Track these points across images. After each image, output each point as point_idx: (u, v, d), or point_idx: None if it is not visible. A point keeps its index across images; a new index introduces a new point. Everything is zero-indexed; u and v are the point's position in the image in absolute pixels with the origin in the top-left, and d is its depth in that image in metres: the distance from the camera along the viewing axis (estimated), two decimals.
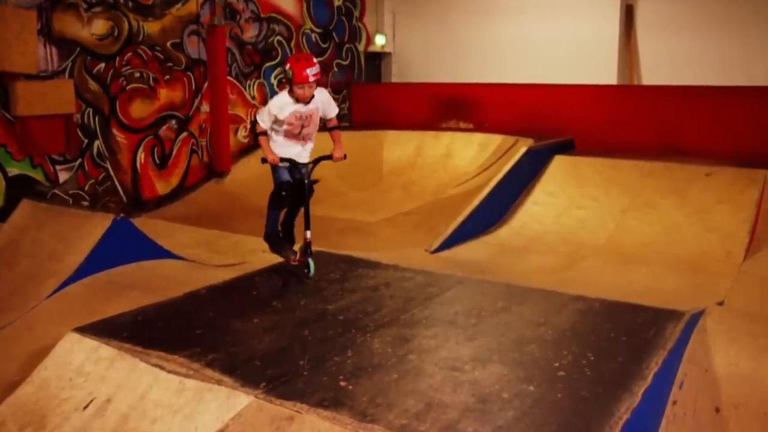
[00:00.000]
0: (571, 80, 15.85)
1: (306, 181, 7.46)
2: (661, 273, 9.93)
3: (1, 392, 5.95)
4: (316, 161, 7.53)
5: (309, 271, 7.48)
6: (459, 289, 7.05)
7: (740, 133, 13.62)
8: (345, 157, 7.53)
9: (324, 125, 7.69)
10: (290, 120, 7.30)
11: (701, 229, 10.97)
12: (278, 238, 7.81)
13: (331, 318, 6.26)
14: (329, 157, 7.46)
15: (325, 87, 17.77)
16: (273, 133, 7.47)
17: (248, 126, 16.16)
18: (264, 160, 7.35)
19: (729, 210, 11.14)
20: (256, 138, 7.59)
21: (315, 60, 7.33)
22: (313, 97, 7.32)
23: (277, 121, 7.36)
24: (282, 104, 7.32)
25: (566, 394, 4.71)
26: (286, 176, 7.51)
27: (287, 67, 7.23)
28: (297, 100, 7.27)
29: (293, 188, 7.50)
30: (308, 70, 7.14)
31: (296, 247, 7.80)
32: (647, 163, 12.56)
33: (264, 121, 7.41)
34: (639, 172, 12.43)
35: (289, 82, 7.24)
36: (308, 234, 7.46)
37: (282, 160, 7.34)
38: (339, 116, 7.76)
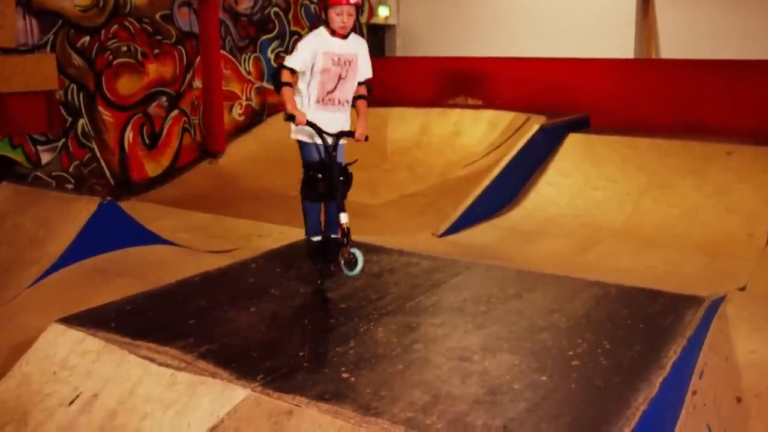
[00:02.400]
0: (585, 54, 15.82)
1: (340, 161, 6.56)
2: (679, 257, 9.94)
3: None
4: (339, 134, 6.50)
5: (357, 264, 6.30)
6: (467, 275, 7.06)
7: (763, 109, 13.60)
8: (367, 138, 6.60)
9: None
10: (326, 64, 6.39)
11: (722, 211, 10.97)
12: (318, 246, 6.89)
13: (333, 306, 6.27)
14: (351, 133, 6.53)
15: None
16: (300, 95, 6.50)
17: (253, 87, 16.15)
18: (290, 118, 6.26)
19: (750, 190, 11.15)
20: (279, 89, 6.40)
21: None
22: (353, 30, 6.47)
23: (306, 72, 6.42)
24: (317, 40, 6.40)
25: (581, 384, 4.72)
26: (316, 155, 6.51)
27: None
28: (334, 33, 6.37)
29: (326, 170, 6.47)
30: None
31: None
32: (665, 141, 12.56)
33: (296, 62, 6.35)
34: (657, 150, 12.43)
35: (324, 9, 6.34)
36: (343, 217, 6.35)
37: (308, 124, 6.29)
38: None
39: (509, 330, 5.66)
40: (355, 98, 6.69)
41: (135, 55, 13.83)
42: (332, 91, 6.50)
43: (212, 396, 4.79)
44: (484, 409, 4.42)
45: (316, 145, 6.47)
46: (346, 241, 6.31)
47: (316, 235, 6.88)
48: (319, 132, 6.33)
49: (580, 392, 4.61)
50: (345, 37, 6.42)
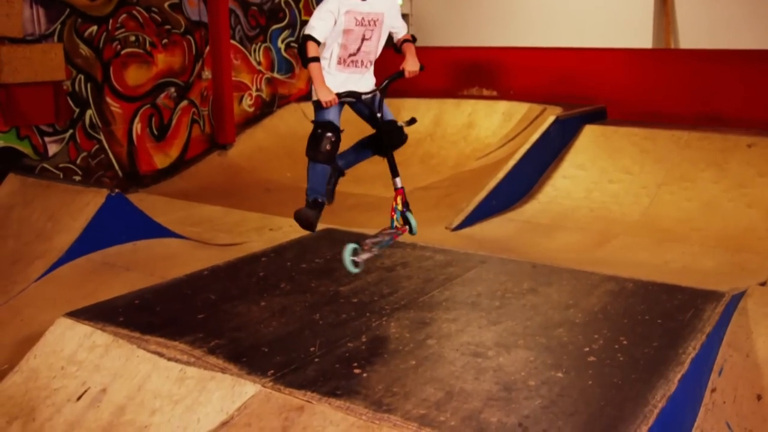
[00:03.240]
0: (602, 44, 15.76)
1: (387, 121, 6.41)
2: (698, 251, 9.91)
3: None
4: (384, 85, 6.34)
5: (411, 229, 6.36)
6: (482, 269, 7.06)
7: None
8: (422, 68, 6.39)
9: (394, 46, 6.56)
10: (348, 25, 6.04)
11: (742, 205, 10.94)
12: (320, 210, 6.61)
13: (344, 301, 6.27)
14: (400, 74, 6.34)
15: None
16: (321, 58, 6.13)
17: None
18: (317, 104, 6.01)
19: None
20: (306, 64, 5.99)
21: None
22: None
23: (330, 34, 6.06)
24: (341, 1, 6.00)
25: (597, 381, 4.72)
26: (331, 114, 6.14)
27: None
28: None
29: (375, 133, 6.38)
30: None
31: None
32: (684, 133, 12.52)
33: (319, 30, 5.97)
34: (675, 143, 12.39)
35: None
36: (398, 181, 6.34)
37: (341, 96, 6.03)
38: None
39: (524, 325, 5.67)
40: (401, 44, 6.48)
41: (143, 45, 13.84)
42: (355, 53, 6.20)
43: (222, 391, 4.81)
44: (499, 406, 4.42)
45: (340, 105, 6.15)
46: (406, 206, 6.34)
47: (320, 195, 6.56)
48: (357, 97, 6.16)
49: (596, 389, 4.61)
50: None
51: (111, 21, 13.22)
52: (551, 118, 12.94)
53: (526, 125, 14.61)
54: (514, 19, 17.74)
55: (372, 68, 6.43)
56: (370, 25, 6.12)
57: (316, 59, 5.97)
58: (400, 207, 6.33)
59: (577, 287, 6.49)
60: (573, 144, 13.13)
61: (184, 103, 14.71)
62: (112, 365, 5.35)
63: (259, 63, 16.37)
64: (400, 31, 6.43)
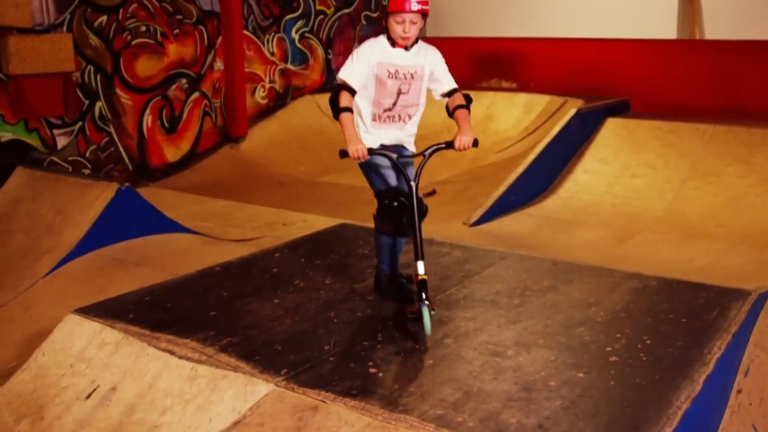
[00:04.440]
0: (625, 35, 15.72)
1: (413, 191, 5.74)
2: (724, 248, 9.89)
3: None
4: (430, 152, 5.83)
5: (425, 325, 5.37)
6: (501, 266, 7.05)
7: None
8: (476, 143, 5.87)
9: (446, 108, 6.06)
10: (381, 75, 5.71)
11: None
12: (399, 282, 6.16)
13: (360, 298, 6.27)
14: (450, 144, 5.80)
15: (353, 42, 17.75)
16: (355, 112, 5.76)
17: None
18: (344, 154, 5.51)
19: None
20: (336, 115, 5.61)
21: None
22: (416, 42, 5.76)
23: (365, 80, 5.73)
24: (375, 47, 5.71)
25: (619, 381, 4.71)
26: (392, 179, 5.84)
27: None
28: (395, 43, 5.69)
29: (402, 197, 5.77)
30: None
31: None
32: (710, 126, 12.48)
33: (354, 77, 5.65)
34: (700, 136, 12.36)
35: (384, 16, 5.65)
36: (421, 266, 5.54)
37: (373, 151, 5.63)
38: None
39: (544, 324, 5.66)
40: (453, 109, 5.96)
41: (154, 36, 13.86)
42: (391, 108, 5.83)
43: (234, 390, 4.81)
44: (518, 406, 4.41)
45: (389, 166, 5.81)
46: (424, 295, 5.40)
47: (394, 268, 6.22)
48: (391, 159, 5.70)
49: (618, 390, 4.60)
50: (408, 48, 5.71)
51: (121, 11, 13.24)
52: (572, 111, 12.92)
53: (546, 118, 14.60)
54: (535, 9, 17.70)
55: (411, 124, 6.02)
56: (406, 78, 5.77)
57: (348, 110, 5.58)
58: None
59: (598, 285, 6.48)
60: (595, 137, 13.11)
61: (196, 94, 14.73)
62: (122, 363, 5.37)
63: (273, 54, 16.38)
64: (446, 86, 5.96)
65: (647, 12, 15.97)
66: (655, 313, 5.82)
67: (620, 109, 14.18)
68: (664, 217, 11.16)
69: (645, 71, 15.04)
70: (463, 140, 5.78)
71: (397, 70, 5.71)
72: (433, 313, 5.41)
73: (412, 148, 6.07)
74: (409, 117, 5.96)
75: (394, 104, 5.81)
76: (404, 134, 6.00)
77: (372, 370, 4.93)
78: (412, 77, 5.78)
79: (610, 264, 7.29)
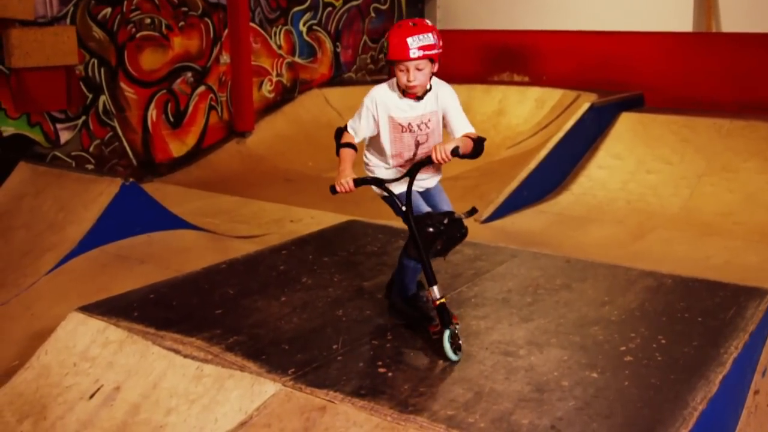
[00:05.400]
0: (640, 27, 15.71)
1: (444, 209, 5.51)
2: (741, 246, 9.87)
3: None
4: (413, 170, 5.27)
5: (446, 352, 5.05)
6: (512, 264, 7.04)
7: None
8: (455, 152, 5.02)
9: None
10: (394, 131, 5.35)
11: None
12: (418, 303, 5.75)
13: (369, 296, 6.27)
14: (428, 161, 5.17)
15: (362, 35, 17.75)
16: (371, 154, 5.58)
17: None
18: (333, 189, 5.29)
19: None
20: (337, 151, 5.42)
21: (430, 25, 5.21)
22: (428, 90, 5.30)
23: (373, 134, 5.43)
24: (381, 99, 5.32)
25: (634, 381, 4.70)
26: (423, 205, 5.42)
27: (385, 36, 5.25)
28: (404, 93, 5.25)
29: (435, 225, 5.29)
30: (410, 39, 5.04)
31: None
32: (726, 121, 12.46)
33: (357, 132, 5.41)
34: (717, 131, 12.34)
35: (388, 64, 5.26)
36: (436, 290, 5.23)
37: (358, 181, 5.28)
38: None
39: (557, 323, 5.65)
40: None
41: (159, 28, 13.87)
42: (412, 158, 5.42)
43: (241, 390, 4.81)
44: (531, 407, 4.41)
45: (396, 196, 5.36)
46: (446, 318, 5.14)
47: (413, 292, 5.80)
48: (379, 184, 5.40)
49: (633, 390, 4.59)
50: (420, 97, 5.28)
51: (125, 3, 13.25)
52: (586, 105, 12.91)
53: (559, 113, 14.58)
54: (547, 1, 17.69)
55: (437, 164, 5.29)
56: (421, 129, 5.36)
57: (348, 145, 5.37)
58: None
59: (613, 283, 6.47)
60: (609, 132, 13.11)
61: (202, 88, 14.73)
62: (126, 362, 5.37)
63: (280, 47, 16.38)
64: (457, 131, 5.34)
65: (663, 4, 15.96)
66: (671, 312, 5.81)
67: (635, 104, 14.17)
68: (680, 213, 11.15)
69: (660, 64, 15.03)
70: (438, 148, 5.04)
71: (410, 124, 5.31)
72: (457, 328, 5.17)
73: (437, 178, 5.64)
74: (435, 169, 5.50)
75: (414, 155, 5.40)
76: (429, 173, 5.54)
77: (381, 370, 4.93)
78: (428, 126, 5.36)
79: (625, 262, 7.29)
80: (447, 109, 5.35)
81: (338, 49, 17.47)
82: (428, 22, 5.27)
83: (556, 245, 9.68)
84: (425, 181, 5.53)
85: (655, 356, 5.05)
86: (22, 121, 11.92)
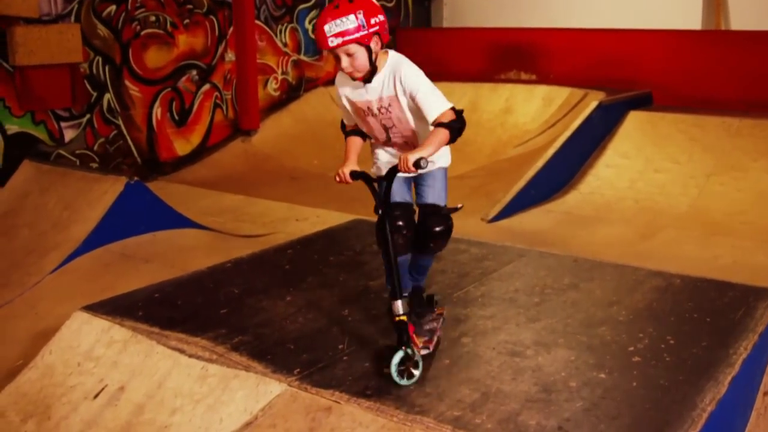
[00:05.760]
0: (648, 25, 15.68)
1: (428, 201, 5.25)
2: (750, 246, 9.85)
3: (1, 379, 6.03)
4: (389, 173, 4.99)
5: (392, 374, 4.72)
6: (520, 264, 7.04)
7: None
8: (417, 164, 4.70)
9: None
10: (360, 115, 5.21)
11: None
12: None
13: (375, 296, 6.26)
14: (394, 170, 4.92)
15: None
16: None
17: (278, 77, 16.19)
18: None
19: None
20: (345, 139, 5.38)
21: (358, 3, 4.78)
22: (375, 72, 4.99)
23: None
24: (341, 85, 5.23)
25: (642, 382, 4.70)
26: (399, 194, 5.17)
27: None
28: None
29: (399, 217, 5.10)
30: (327, 27, 4.73)
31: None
32: (735, 120, 12.44)
33: (344, 116, 5.41)
34: (726, 130, 12.32)
35: None
36: (399, 305, 4.86)
37: (354, 174, 5.07)
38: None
39: (565, 323, 5.65)
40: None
41: (164, 26, 13.87)
42: (388, 141, 5.27)
43: (246, 390, 4.81)
44: (538, 408, 4.41)
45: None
46: (404, 337, 4.81)
47: (406, 289, 5.32)
48: (368, 182, 5.06)
49: (641, 391, 4.59)
50: (368, 80, 4.98)
51: (130, 0, 13.26)
52: (594, 104, 12.90)
53: (566, 111, 14.57)
54: None
55: (417, 139, 5.16)
56: (382, 113, 5.12)
57: (352, 132, 5.34)
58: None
59: (620, 283, 6.47)
60: (617, 131, 13.09)
61: (207, 86, 14.74)
62: (130, 362, 5.38)
63: (286, 45, 16.38)
64: (429, 115, 4.97)
65: (671, 2, 15.94)
66: (679, 313, 5.80)
67: (643, 102, 14.15)
68: (688, 213, 11.13)
69: (669, 63, 14.99)
70: (402, 158, 4.74)
71: (369, 108, 5.11)
72: (416, 354, 4.81)
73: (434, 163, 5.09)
74: (409, 142, 5.22)
75: (389, 139, 5.24)
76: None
77: (387, 371, 4.92)
78: (389, 111, 5.08)
79: (633, 261, 7.29)
80: (413, 93, 4.94)
81: None
82: (356, 0, 4.79)
83: (564, 245, 9.67)
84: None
85: (663, 357, 5.04)
86: (27, 119, 11.93)
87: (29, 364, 5.78)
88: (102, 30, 12.89)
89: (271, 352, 5.19)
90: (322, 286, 6.49)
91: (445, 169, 5.38)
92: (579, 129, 12.48)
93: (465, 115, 5.03)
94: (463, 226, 9.76)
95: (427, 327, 5.34)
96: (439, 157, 5.16)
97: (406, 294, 5.15)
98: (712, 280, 6.47)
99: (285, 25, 16.32)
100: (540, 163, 11.86)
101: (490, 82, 16.87)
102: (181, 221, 9.28)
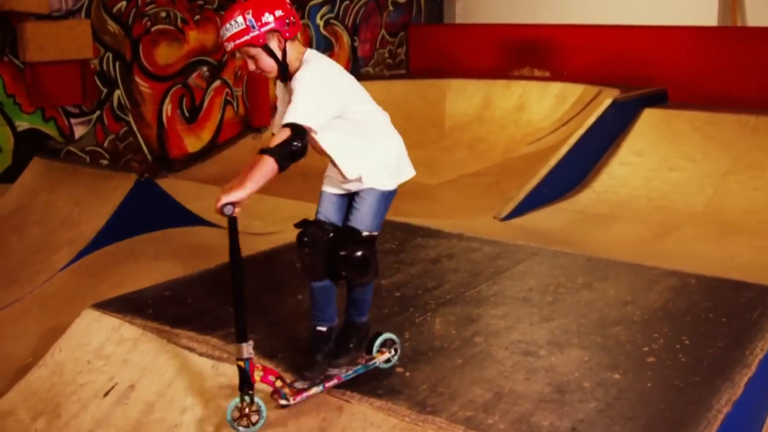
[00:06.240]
0: (663, 22, 15.64)
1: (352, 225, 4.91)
2: (767, 245, 9.82)
3: (11, 376, 6.05)
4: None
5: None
6: (533, 262, 7.03)
7: None
8: (222, 209, 4.68)
9: None
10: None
11: None
12: (318, 341, 4.92)
13: (386, 294, 6.26)
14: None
15: (380, 28, 17.72)
16: None
17: None
18: None
19: None
20: None
21: (246, 3, 4.52)
22: (291, 70, 4.71)
23: None
24: (277, 87, 5.03)
25: (657, 383, 4.69)
26: (318, 212, 5.22)
27: None
28: None
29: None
30: (222, 30, 4.56)
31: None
32: (752, 117, 12.40)
33: None
34: (742, 128, 12.28)
35: None
36: (243, 348, 4.54)
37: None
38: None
39: (578, 323, 5.64)
40: None
41: (174, 22, 13.88)
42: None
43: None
44: (551, 408, 4.41)
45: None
46: (240, 386, 4.53)
47: (322, 321, 4.97)
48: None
49: (656, 392, 4.58)
50: (286, 78, 4.73)
51: None
52: (608, 101, 12.86)
53: (580, 108, 14.54)
54: None
55: (336, 158, 5.03)
56: None
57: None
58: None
59: (635, 282, 6.46)
60: (631, 129, 13.06)
61: (217, 83, 14.74)
62: (140, 360, 5.39)
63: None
64: (282, 123, 4.63)
65: None
66: (695, 313, 5.80)
67: (658, 100, 14.11)
68: (704, 212, 11.10)
69: (684, 60, 14.95)
70: (216, 197, 4.69)
71: (284, 107, 4.82)
72: (281, 402, 4.62)
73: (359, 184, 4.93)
74: (324, 152, 5.05)
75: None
76: (335, 172, 5.13)
77: (399, 370, 4.93)
78: None
79: (647, 261, 7.27)
80: (293, 94, 4.57)
81: (356, 44, 17.46)
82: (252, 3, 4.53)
83: (577, 243, 9.65)
84: (346, 184, 5.03)
85: (678, 357, 5.03)
86: (37, 115, 11.95)
87: (39, 362, 5.80)
88: (112, 26, 12.90)
89: (281, 351, 5.19)
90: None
91: (380, 192, 4.89)
92: (593, 127, 12.46)
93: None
94: (475, 224, 9.80)
95: (331, 372, 4.80)
96: (373, 175, 4.89)
97: (323, 328, 4.91)
98: (728, 280, 6.46)
99: None
100: (553, 161, 11.84)
101: (503, 79, 16.84)
102: (192, 218, 9.28)
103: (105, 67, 12.87)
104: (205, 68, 14.48)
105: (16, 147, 11.57)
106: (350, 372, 4.79)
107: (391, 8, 18.57)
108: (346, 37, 17.28)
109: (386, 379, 4.79)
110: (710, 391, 4.52)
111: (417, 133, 15.51)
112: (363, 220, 4.85)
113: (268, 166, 4.66)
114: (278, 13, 4.54)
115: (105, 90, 12.88)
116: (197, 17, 14.25)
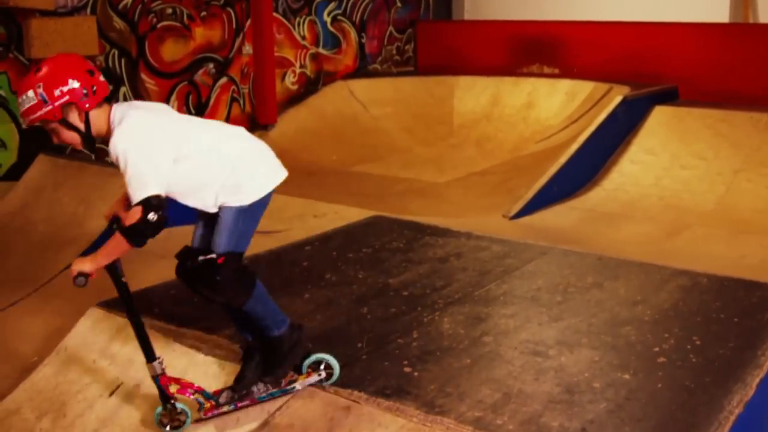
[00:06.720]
0: (674, 18, 15.63)
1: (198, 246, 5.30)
2: None
3: (15, 376, 6.05)
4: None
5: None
6: (542, 261, 7.03)
7: None
8: (76, 280, 4.63)
9: None
10: None
11: None
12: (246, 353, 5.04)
13: (394, 294, 6.27)
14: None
15: (387, 25, 17.72)
16: None
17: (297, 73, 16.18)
18: None
19: None
20: None
21: (39, 75, 4.36)
22: (102, 133, 4.75)
23: None
24: None
25: (667, 384, 4.69)
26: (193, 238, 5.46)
27: None
28: None
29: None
30: (18, 102, 4.45)
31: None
32: (764, 115, 12.37)
33: None
34: (755, 125, 12.26)
35: None
36: (151, 367, 4.78)
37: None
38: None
39: (588, 323, 5.64)
40: None
41: (180, 18, 13.88)
42: None
43: None
44: (560, 409, 4.41)
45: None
46: (161, 398, 4.77)
47: (245, 334, 5.09)
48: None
49: (666, 393, 4.58)
50: (90, 149, 4.59)
51: None
52: (618, 99, 12.85)
53: (590, 106, 14.52)
54: None
55: (196, 204, 5.22)
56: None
57: None
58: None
59: (645, 282, 6.46)
60: (642, 126, 13.03)
61: (224, 80, 14.74)
62: None
63: (304, 38, 16.36)
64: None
65: None
66: (706, 312, 5.79)
67: (669, 97, 14.08)
68: (715, 210, 11.08)
69: (695, 57, 14.93)
70: (72, 261, 4.69)
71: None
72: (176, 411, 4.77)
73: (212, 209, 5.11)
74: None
75: None
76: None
77: (407, 369, 4.93)
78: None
79: (658, 260, 7.26)
80: (122, 170, 4.57)
81: (363, 40, 17.43)
82: (42, 70, 4.37)
83: (587, 242, 9.64)
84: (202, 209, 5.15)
85: (689, 358, 5.03)
86: None
87: (44, 361, 5.81)
88: (118, 22, 12.91)
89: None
90: (340, 283, 6.50)
91: (237, 209, 4.99)
92: (603, 124, 12.44)
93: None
94: (484, 223, 9.79)
95: (253, 389, 4.79)
96: (230, 194, 4.96)
97: (249, 338, 4.99)
98: (740, 280, 6.45)
99: (303, 17, 16.30)
100: (563, 159, 11.82)
101: (512, 75, 16.82)
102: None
103: (111, 63, 12.87)
104: (211, 65, 14.48)
105: (21, 144, 11.56)
106: (264, 395, 4.77)
107: (399, 4, 18.54)
108: (353, 34, 17.26)
109: (394, 378, 4.79)
110: (722, 392, 4.51)
111: (425, 131, 15.52)
112: (216, 240, 5.05)
113: (121, 244, 4.73)
114: (74, 84, 4.38)
115: (111, 87, 12.86)
116: (203, 14, 14.25)
